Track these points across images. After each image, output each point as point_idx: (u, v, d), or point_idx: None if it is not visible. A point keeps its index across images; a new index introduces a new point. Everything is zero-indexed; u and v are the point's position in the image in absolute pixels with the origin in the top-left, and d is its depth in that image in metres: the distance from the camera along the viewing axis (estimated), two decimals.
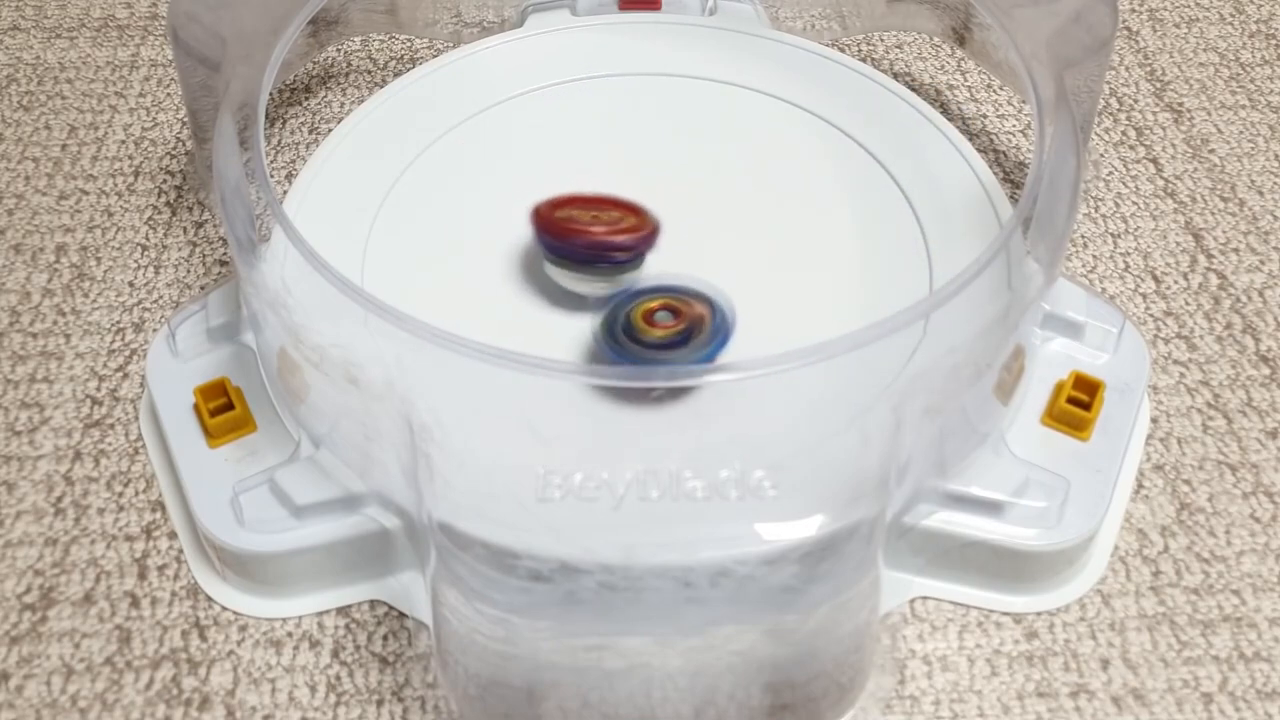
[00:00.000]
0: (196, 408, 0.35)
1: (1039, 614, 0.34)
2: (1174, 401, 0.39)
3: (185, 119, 0.49)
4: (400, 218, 0.39)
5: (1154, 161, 0.47)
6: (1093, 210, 0.45)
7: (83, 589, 0.34)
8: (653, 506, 0.29)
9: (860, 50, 0.52)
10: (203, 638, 0.33)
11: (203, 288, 0.42)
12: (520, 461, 0.30)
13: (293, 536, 0.33)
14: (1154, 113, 0.49)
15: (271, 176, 0.46)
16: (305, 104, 0.50)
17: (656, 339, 0.33)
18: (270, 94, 0.41)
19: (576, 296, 0.37)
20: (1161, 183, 0.46)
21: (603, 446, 0.30)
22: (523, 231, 0.39)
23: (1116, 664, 0.33)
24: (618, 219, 0.36)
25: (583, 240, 0.35)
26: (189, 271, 0.43)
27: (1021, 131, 0.48)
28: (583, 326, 0.36)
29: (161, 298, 0.42)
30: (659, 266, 0.37)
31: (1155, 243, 0.44)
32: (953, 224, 0.39)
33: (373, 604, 0.34)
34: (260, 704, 0.32)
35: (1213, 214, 0.45)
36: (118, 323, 0.41)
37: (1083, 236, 0.44)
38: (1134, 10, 0.54)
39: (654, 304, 0.34)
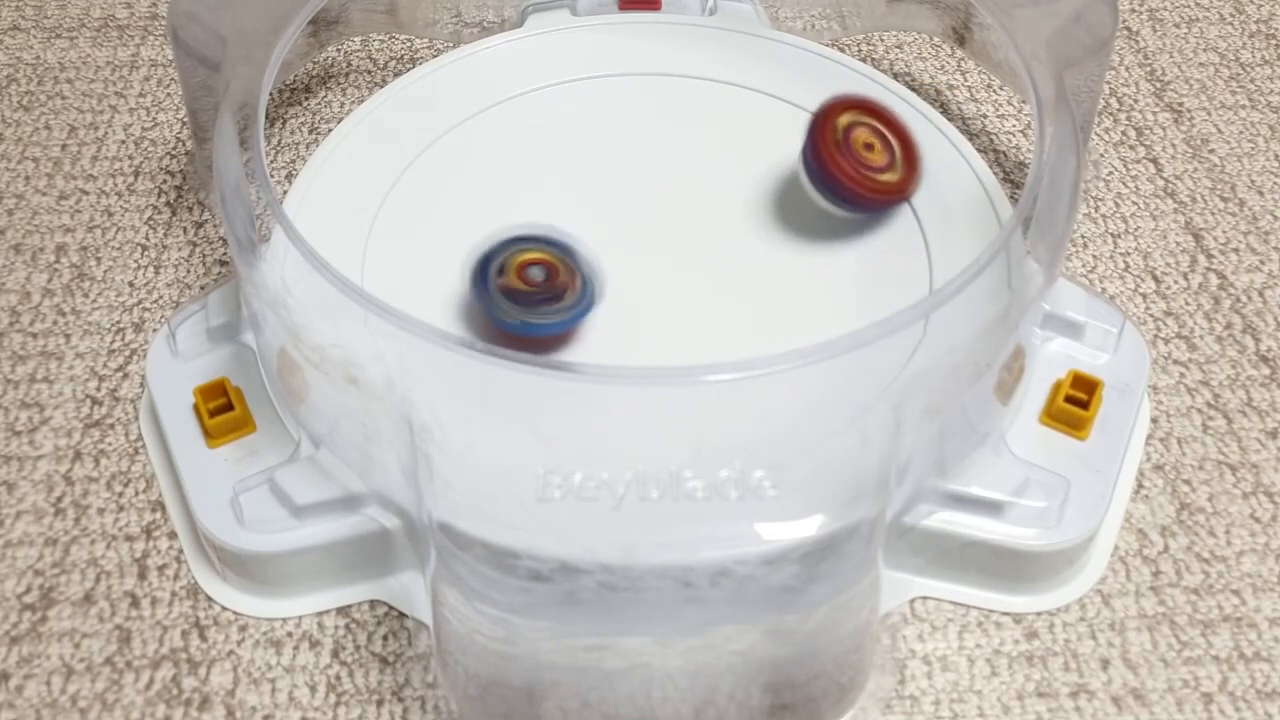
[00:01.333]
0: (196, 408, 0.35)
1: (1039, 614, 0.34)
2: (1174, 401, 0.39)
3: (185, 119, 0.49)
4: (400, 218, 0.39)
5: (1154, 161, 0.47)
6: (1093, 210, 0.45)
7: (83, 589, 0.34)
8: (653, 506, 0.29)
9: (860, 50, 0.52)
10: (203, 638, 0.33)
11: (203, 288, 0.42)
12: (520, 461, 0.30)
13: (293, 536, 0.33)
14: (1154, 113, 0.49)
15: (271, 176, 0.46)
16: (305, 104, 0.49)
17: (523, 291, 0.34)
18: (270, 94, 0.41)
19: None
20: (1161, 183, 0.46)
21: (603, 446, 0.30)
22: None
23: (1116, 664, 0.33)
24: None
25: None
26: (189, 271, 0.43)
27: (1021, 131, 0.48)
28: (583, 327, 0.36)
29: (161, 298, 0.42)
30: (642, 261, 0.37)
31: (1155, 243, 0.44)
32: (953, 224, 0.39)
33: (373, 604, 0.34)
34: (260, 704, 0.32)
35: (1213, 214, 0.45)
36: (118, 323, 0.41)
37: (1083, 236, 0.44)
38: (1134, 10, 0.54)
39: (532, 256, 0.35)
